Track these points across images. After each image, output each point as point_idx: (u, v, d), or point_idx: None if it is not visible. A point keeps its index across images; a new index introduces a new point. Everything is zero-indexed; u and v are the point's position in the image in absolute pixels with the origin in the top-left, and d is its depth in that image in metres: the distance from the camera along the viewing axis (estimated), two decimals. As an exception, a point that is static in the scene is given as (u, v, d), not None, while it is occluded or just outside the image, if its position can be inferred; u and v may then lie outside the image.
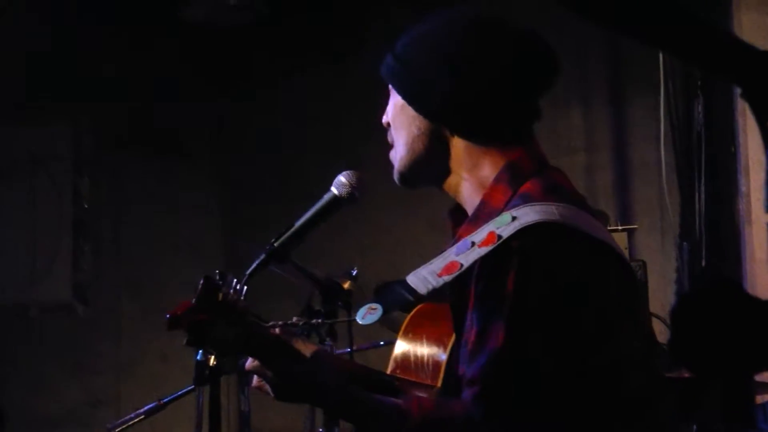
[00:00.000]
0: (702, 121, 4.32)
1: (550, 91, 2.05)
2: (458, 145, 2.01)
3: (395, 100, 2.06)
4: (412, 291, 1.88)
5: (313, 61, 5.56)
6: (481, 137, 2.00)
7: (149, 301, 5.52)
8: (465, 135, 2.01)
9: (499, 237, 1.83)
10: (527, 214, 1.86)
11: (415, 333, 2.35)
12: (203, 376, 1.88)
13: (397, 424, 1.87)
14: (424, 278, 1.87)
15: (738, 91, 1.06)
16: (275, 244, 2.12)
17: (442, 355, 2.26)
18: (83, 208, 5.50)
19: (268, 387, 2.02)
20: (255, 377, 2.06)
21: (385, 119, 2.11)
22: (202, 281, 1.88)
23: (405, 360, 2.32)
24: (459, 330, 1.95)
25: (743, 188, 4.10)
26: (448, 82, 1.98)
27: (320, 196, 2.17)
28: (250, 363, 1.99)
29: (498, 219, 1.87)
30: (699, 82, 4.33)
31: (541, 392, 1.82)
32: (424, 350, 2.30)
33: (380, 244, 5.28)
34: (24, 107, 5.43)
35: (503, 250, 1.83)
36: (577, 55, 4.84)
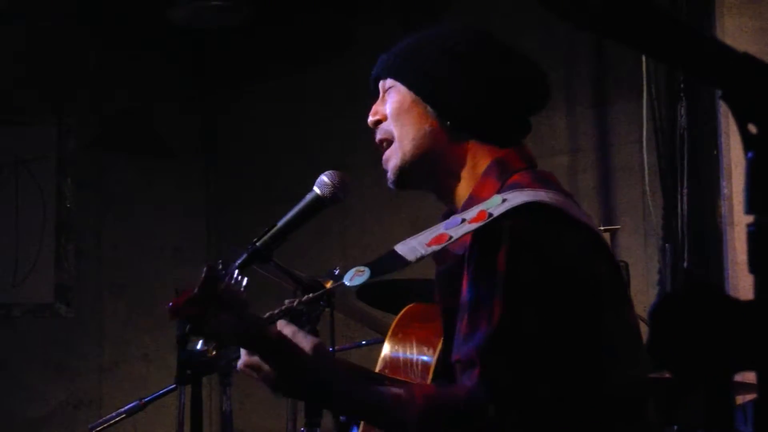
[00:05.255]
0: (685, 123, 4.34)
1: (539, 112, 2.11)
2: (463, 145, 2.04)
3: (398, 98, 2.07)
4: (400, 259, 1.88)
5: (300, 62, 5.56)
6: (486, 136, 2.04)
7: (132, 302, 5.51)
8: (475, 134, 2.04)
9: (490, 215, 1.84)
10: (517, 197, 1.88)
11: (404, 333, 2.35)
12: (185, 375, 1.87)
13: (402, 412, 1.85)
14: (413, 247, 1.88)
15: (719, 93, 1.06)
16: (257, 244, 2.11)
17: (432, 356, 2.26)
18: (66, 209, 5.48)
19: (265, 382, 1.92)
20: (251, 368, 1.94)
21: (376, 117, 2.11)
22: (204, 270, 1.86)
23: (394, 360, 2.31)
24: (452, 322, 1.94)
25: (725, 191, 4.11)
26: (462, 80, 2.03)
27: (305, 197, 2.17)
28: (246, 358, 1.90)
29: (488, 201, 1.90)
30: (682, 85, 4.34)
31: (540, 368, 1.82)
32: (413, 350, 2.30)
33: (363, 244, 5.28)
34: (7, 107, 5.41)
35: (493, 229, 1.85)
36: (560, 58, 4.85)
